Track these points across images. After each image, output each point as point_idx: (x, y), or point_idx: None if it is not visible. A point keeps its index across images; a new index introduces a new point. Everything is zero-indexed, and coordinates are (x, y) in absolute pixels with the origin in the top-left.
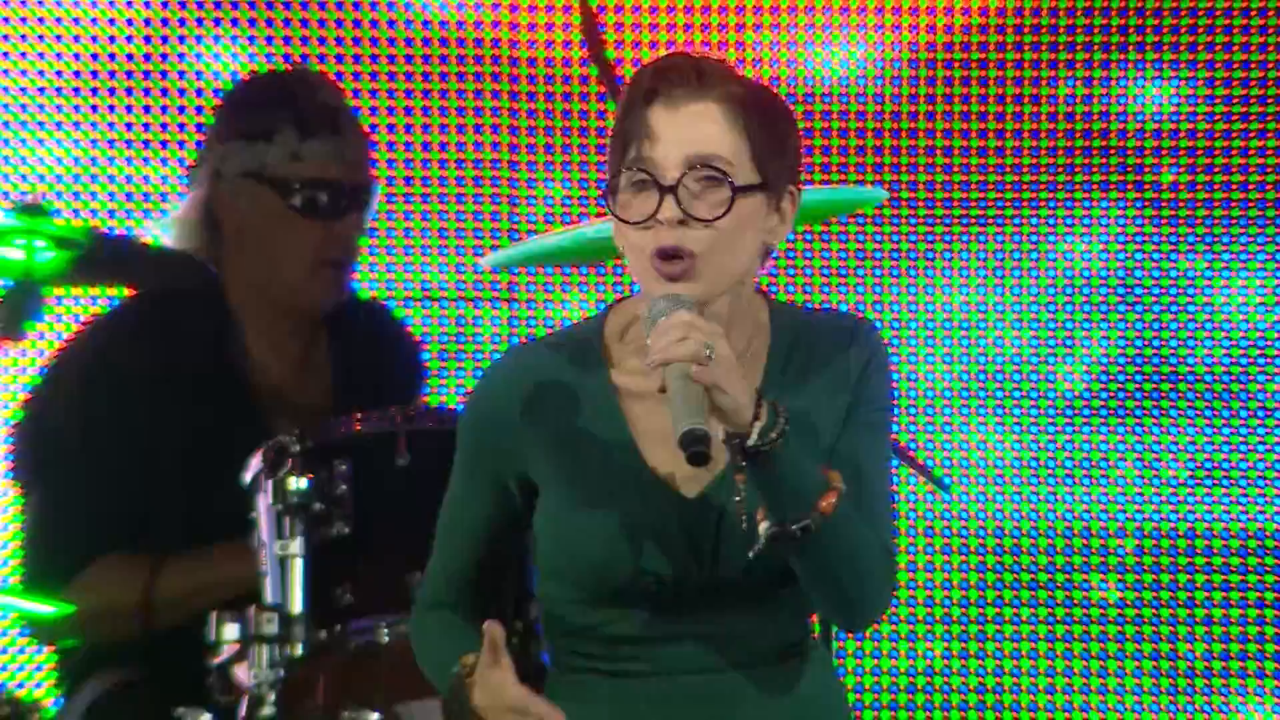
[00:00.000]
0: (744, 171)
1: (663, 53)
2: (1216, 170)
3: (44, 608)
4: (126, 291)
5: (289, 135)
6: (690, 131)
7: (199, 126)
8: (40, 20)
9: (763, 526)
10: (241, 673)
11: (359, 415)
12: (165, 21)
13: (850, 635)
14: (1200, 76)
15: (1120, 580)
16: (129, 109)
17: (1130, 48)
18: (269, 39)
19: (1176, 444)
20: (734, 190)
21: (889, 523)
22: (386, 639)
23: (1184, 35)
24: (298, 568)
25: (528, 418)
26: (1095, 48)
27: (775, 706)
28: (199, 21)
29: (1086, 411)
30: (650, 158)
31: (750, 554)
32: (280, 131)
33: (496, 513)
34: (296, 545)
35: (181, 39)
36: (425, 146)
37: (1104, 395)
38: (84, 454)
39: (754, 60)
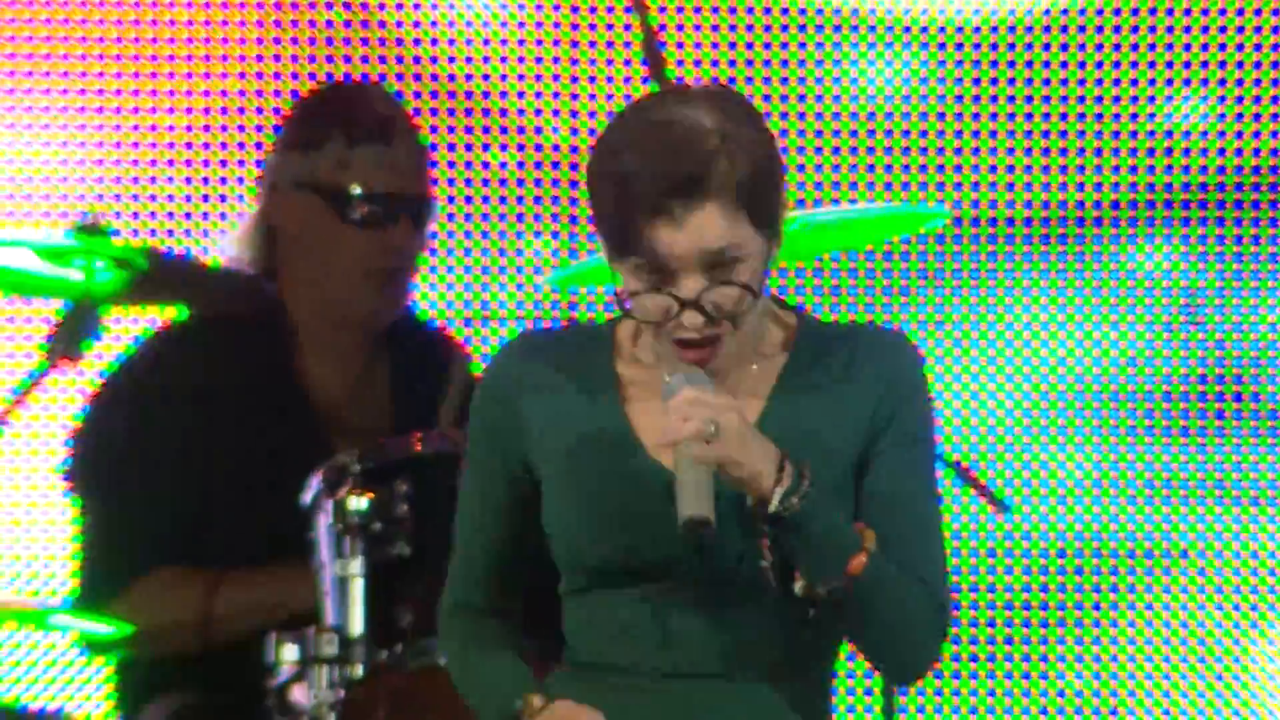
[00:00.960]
0: (749, 243)
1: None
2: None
3: (101, 627)
4: (184, 310)
5: (338, 143)
6: (698, 240)
7: (258, 144)
8: (100, 39)
9: (797, 586)
10: (300, 694)
11: (419, 435)
12: (225, 40)
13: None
14: (1254, 94)
15: (1187, 600)
16: (189, 127)
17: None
18: (329, 58)
19: (1243, 462)
20: (752, 292)
21: (937, 558)
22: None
23: (1214, 53)
24: (358, 588)
25: (531, 402)
26: (1141, 64)
27: None
28: (259, 40)
29: (1151, 430)
30: (663, 268)
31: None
32: (330, 140)
33: (514, 500)
34: (356, 565)
35: (241, 58)
36: (485, 165)
37: (1169, 413)
38: (137, 468)
39: (815, 77)
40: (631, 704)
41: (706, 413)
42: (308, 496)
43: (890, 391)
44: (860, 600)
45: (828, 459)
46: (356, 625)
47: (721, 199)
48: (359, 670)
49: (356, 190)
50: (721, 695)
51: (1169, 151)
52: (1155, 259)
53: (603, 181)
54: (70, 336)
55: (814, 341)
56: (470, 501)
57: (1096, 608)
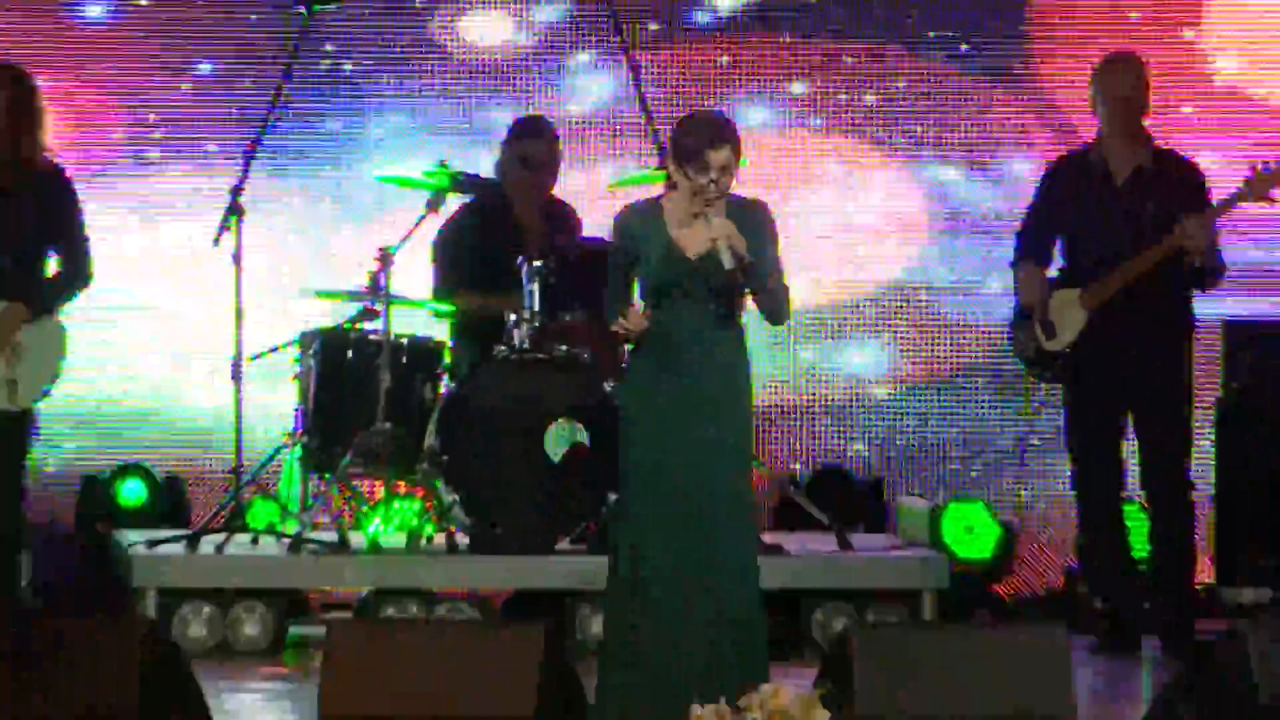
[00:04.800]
0: (734, 169)
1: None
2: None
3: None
4: (473, 195)
5: (521, 139)
6: (724, 158)
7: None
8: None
9: (748, 290)
10: (517, 332)
11: (561, 240)
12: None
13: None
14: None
15: None
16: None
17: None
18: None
19: None
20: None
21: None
22: (570, 318)
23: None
24: (537, 295)
25: (635, 232)
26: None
27: (721, 367)
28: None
29: None
30: (714, 164)
31: (744, 291)
32: (518, 138)
33: (629, 267)
34: (535, 287)
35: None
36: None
37: None
38: (450, 250)
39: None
40: (668, 351)
41: (733, 228)
42: (519, 261)
43: (772, 225)
44: (772, 290)
45: (762, 255)
46: (536, 307)
47: (732, 148)
48: (538, 324)
49: (523, 154)
50: (705, 349)
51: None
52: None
53: (692, 134)
54: (435, 201)
55: (734, 207)
56: (614, 263)
57: None
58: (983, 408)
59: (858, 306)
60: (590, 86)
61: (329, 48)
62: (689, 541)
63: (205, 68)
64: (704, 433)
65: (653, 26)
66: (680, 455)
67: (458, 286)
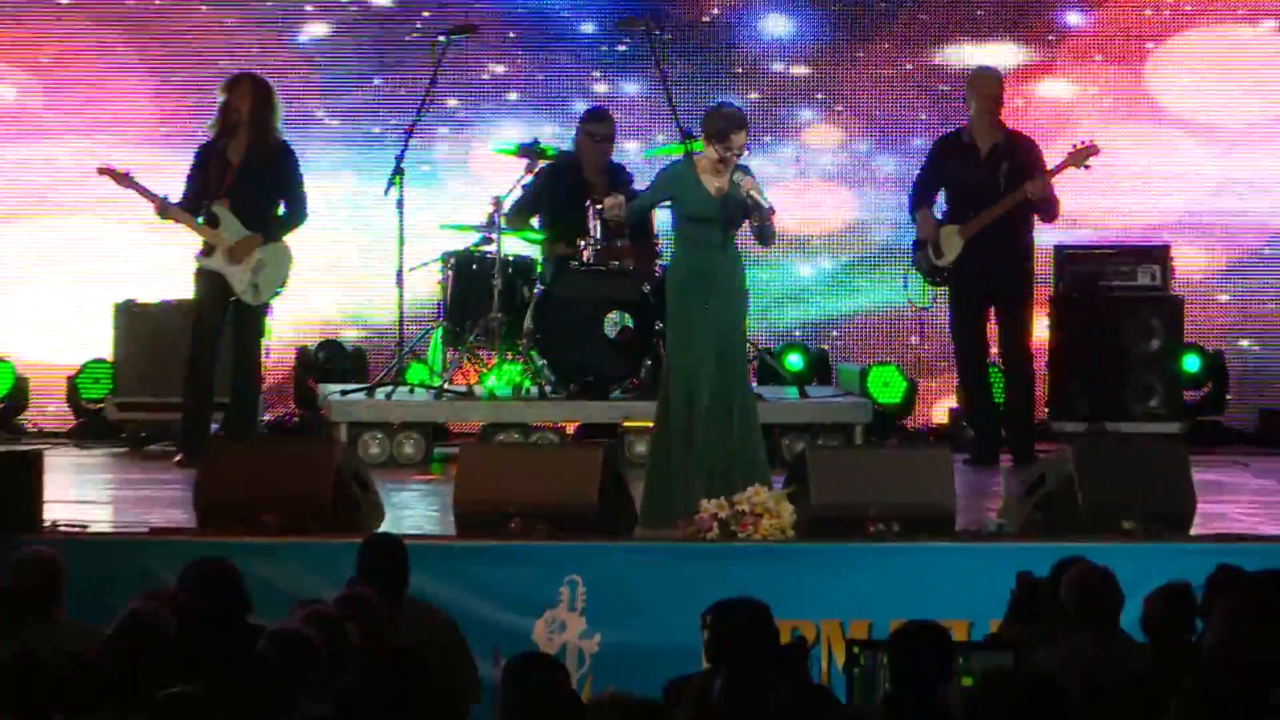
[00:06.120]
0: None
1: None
2: None
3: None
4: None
5: (588, 119)
6: (742, 139)
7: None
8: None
9: (755, 219)
10: (585, 252)
11: (611, 195)
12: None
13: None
14: None
15: None
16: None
17: None
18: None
19: None
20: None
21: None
22: (620, 243)
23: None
24: (599, 227)
25: (673, 180)
26: None
27: (727, 272)
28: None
29: None
30: (736, 143)
31: (751, 222)
32: (586, 121)
33: (660, 198)
34: (598, 223)
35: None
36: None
37: None
38: (531, 186)
39: None
40: (695, 261)
41: (756, 183)
42: (588, 203)
43: (756, 181)
44: (769, 223)
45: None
46: (598, 235)
47: (746, 132)
48: (598, 247)
49: (591, 131)
50: (719, 259)
51: None
52: None
53: (720, 121)
54: (531, 165)
55: (738, 167)
56: (646, 196)
57: None
58: (897, 304)
59: (815, 236)
60: (630, 86)
61: (461, 61)
62: (711, 387)
63: (376, 80)
64: (715, 308)
65: (620, 48)
66: (702, 323)
67: (519, 213)
